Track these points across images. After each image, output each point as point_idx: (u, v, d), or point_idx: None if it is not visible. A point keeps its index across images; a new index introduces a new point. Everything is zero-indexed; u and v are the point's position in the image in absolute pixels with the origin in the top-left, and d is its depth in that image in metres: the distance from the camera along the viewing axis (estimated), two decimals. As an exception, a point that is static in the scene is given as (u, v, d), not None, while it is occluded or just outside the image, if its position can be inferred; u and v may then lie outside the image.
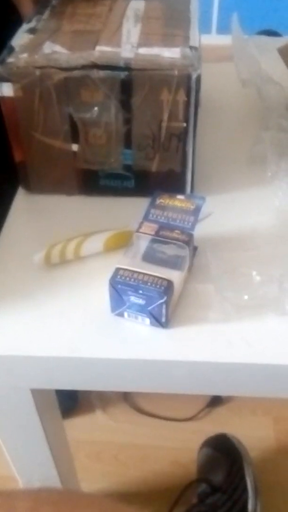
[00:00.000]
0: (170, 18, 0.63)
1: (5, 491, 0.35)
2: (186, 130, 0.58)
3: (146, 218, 0.54)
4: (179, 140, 0.58)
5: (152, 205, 0.55)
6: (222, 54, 0.87)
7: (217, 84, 0.85)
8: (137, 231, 0.52)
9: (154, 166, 0.61)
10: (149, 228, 0.53)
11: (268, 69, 0.69)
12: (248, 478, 0.91)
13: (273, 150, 0.65)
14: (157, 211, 0.54)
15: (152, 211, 0.54)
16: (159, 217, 0.54)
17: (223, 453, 0.96)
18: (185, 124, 0.57)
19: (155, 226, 0.53)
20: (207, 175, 0.67)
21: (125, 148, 0.60)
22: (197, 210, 0.54)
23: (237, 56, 0.71)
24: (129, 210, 0.60)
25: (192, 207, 0.54)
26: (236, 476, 0.92)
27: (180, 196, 0.55)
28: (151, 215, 0.54)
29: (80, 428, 1.13)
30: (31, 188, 0.65)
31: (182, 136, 0.58)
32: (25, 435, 0.64)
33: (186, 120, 0.57)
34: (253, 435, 1.09)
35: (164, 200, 0.55)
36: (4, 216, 0.63)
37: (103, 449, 1.10)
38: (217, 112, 0.79)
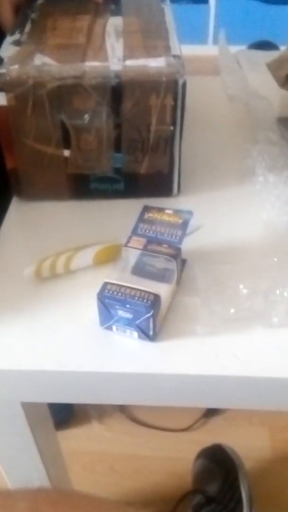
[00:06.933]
0: (148, 31, 0.66)
1: (5, 491, 0.35)
2: (173, 133, 0.60)
3: (134, 232, 0.54)
4: (166, 143, 0.61)
5: (141, 219, 0.56)
6: (218, 64, 0.88)
7: (207, 97, 0.86)
8: (126, 245, 0.53)
9: (143, 169, 0.63)
10: (138, 242, 0.53)
11: (257, 83, 0.70)
12: (243, 489, 0.91)
13: (261, 163, 0.66)
14: (145, 226, 0.55)
15: (141, 225, 0.55)
16: (147, 231, 0.54)
17: (218, 464, 0.96)
18: (172, 127, 0.60)
19: (143, 240, 0.53)
20: (196, 187, 0.68)
21: (116, 152, 0.62)
22: (184, 224, 0.55)
23: (224, 72, 0.72)
24: (119, 213, 0.62)
25: (180, 221, 0.55)
26: (230, 487, 0.91)
27: (168, 211, 0.56)
28: (139, 230, 0.55)
29: (76, 439, 1.13)
30: (22, 194, 0.66)
31: (169, 139, 0.61)
32: (16, 447, 0.65)
33: (173, 123, 0.59)
34: (249, 445, 1.09)
35: (152, 215, 0.56)
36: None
37: (99, 460, 1.10)
38: (207, 125, 0.80)
